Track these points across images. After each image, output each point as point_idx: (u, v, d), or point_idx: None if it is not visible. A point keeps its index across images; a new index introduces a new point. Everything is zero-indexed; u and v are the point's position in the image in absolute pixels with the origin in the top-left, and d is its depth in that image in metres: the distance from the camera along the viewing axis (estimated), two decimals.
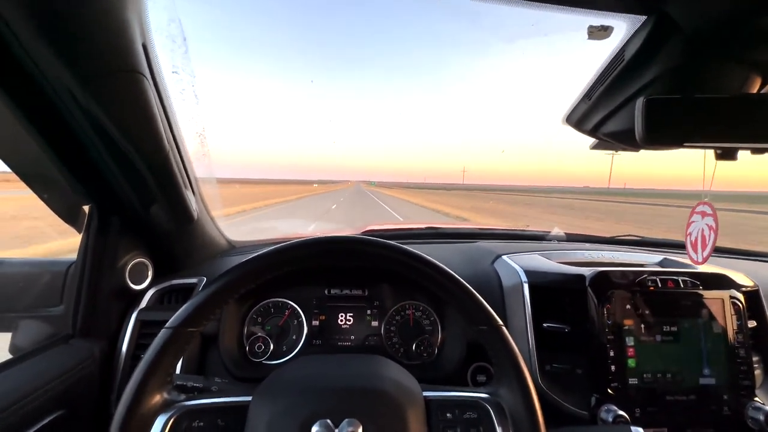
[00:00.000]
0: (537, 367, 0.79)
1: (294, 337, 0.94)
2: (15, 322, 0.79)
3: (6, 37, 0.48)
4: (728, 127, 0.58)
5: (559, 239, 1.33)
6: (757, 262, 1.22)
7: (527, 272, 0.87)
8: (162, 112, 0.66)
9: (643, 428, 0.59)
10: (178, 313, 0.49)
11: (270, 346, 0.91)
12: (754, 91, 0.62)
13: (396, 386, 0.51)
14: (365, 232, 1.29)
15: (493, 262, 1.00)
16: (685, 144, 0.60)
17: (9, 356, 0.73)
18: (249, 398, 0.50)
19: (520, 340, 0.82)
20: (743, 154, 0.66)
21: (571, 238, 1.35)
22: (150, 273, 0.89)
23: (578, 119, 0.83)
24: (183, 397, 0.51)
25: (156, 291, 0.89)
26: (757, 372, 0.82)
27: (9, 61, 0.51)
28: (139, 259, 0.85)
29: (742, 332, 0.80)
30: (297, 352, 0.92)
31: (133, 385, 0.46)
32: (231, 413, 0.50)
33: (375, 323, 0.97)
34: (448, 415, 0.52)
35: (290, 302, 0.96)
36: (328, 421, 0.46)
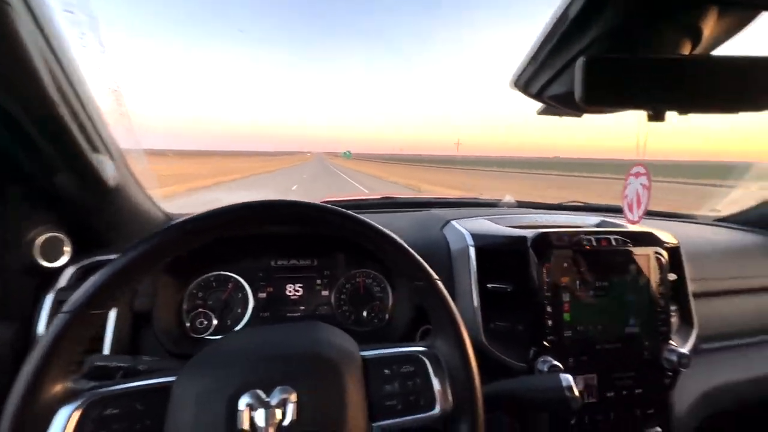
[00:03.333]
0: (481, 325, 0.82)
1: (239, 311, 0.90)
2: None
3: None
4: (661, 89, 0.59)
5: (510, 206, 1.38)
6: (680, 223, 1.35)
7: (474, 236, 0.89)
8: (46, 54, 0.55)
9: (575, 375, 0.63)
10: (76, 293, 0.43)
11: (212, 321, 0.87)
12: (686, 53, 0.63)
13: (331, 348, 0.50)
14: (323, 203, 1.25)
15: (443, 227, 1.00)
16: (622, 105, 0.61)
17: None
18: (173, 378, 0.46)
19: (465, 301, 0.84)
20: (672, 119, 0.69)
21: (522, 204, 1.42)
22: (68, 249, 0.79)
23: (525, 82, 0.82)
24: (92, 384, 0.45)
25: (77, 269, 0.79)
26: (674, 320, 0.91)
27: None
28: (51, 234, 0.75)
29: (664, 284, 0.87)
30: (244, 326, 0.89)
31: (25, 377, 0.39)
32: (152, 395, 0.44)
33: (325, 292, 0.95)
34: (386, 371, 0.51)
35: (233, 275, 0.91)
36: (258, 391, 0.43)
